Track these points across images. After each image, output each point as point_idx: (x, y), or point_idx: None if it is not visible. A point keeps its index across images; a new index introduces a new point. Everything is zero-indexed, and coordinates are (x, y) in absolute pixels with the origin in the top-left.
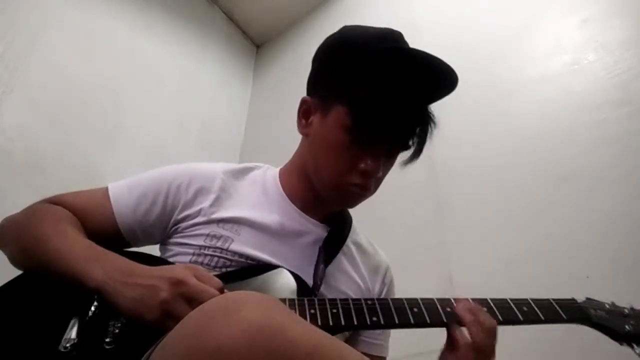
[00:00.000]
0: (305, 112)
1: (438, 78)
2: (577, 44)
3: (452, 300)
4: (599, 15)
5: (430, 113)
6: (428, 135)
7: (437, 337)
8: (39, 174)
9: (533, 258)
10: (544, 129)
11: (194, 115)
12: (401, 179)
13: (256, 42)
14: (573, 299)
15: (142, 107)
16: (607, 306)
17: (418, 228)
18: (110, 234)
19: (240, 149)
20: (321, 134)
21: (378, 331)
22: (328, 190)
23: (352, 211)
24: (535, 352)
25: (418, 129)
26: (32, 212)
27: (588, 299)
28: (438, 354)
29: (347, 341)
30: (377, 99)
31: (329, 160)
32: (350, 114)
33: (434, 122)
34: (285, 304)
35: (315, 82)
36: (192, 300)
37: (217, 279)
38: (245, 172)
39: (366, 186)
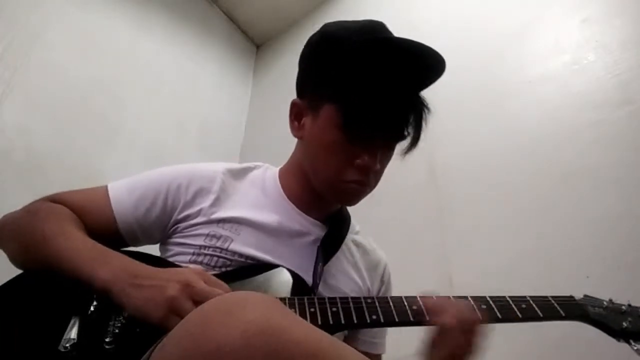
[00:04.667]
0: (296, 115)
1: (424, 63)
2: (577, 44)
3: (451, 299)
4: (599, 15)
5: (423, 100)
6: (423, 122)
7: None
8: (39, 174)
9: (533, 258)
10: (544, 129)
11: (194, 115)
12: (402, 179)
13: (256, 42)
14: (571, 296)
15: (142, 107)
16: (605, 303)
17: (418, 228)
18: (109, 233)
19: (240, 149)
20: (314, 135)
21: (376, 330)
22: (327, 190)
23: (353, 211)
24: (535, 353)
25: (412, 117)
26: (34, 210)
27: (586, 296)
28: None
29: (345, 341)
30: (365, 93)
31: (325, 160)
32: (340, 111)
33: (428, 109)
34: (285, 303)
35: (303, 84)
36: (199, 303)
37: (226, 285)
38: (245, 172)
39: (365, 182)
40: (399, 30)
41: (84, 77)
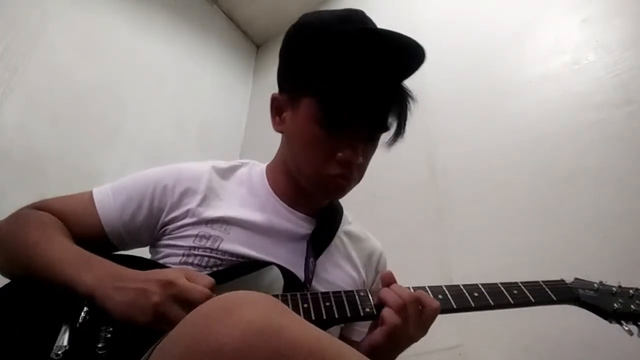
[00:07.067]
0: (277, 110)
1: (402, 54)
2: (577, 44)
3: (444, 287)
4: (599, 15)
5: (406, 89)
6: (407, 112)
7: (437, 337)
8: (39, 174)
9: (533, 258)
10: (544, 129)
11: (194, 115)
12: (402, 179)
13: (256, 42)
14: (562, 280)
15: (142, 107)
16: (596, 285)
17: (418, 228)
18: (97, 238)
19: (240, 149)
20: (295, 129)
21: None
22: (311, 185)
23: (352, 212)
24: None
25: (394, 108)
26: (18, 219)
27: (577, 279)
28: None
29: (342, 331)
30: (341, 84)
31: (306, 154)
32: (318, 105)
33: (412, 98)
34: (277, 299)
35: (282, 78)
36: (184, 301)
37: (208, 277)
38: (231, 170)
39: (347, 175)
40: (398, 30)
41: (83, 77)
